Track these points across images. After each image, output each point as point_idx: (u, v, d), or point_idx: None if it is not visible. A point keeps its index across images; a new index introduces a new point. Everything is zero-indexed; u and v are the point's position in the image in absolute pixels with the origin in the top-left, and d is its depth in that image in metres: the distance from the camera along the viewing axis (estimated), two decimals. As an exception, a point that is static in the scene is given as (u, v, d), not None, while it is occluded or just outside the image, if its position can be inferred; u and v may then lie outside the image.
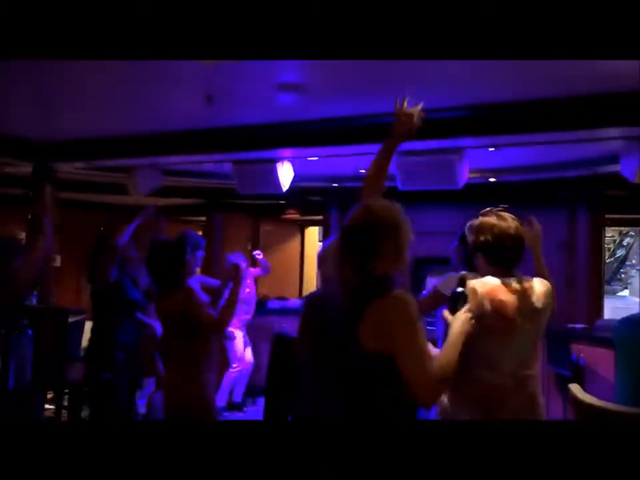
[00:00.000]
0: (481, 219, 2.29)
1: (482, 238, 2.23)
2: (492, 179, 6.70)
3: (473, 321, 2.00)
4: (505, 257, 2.22)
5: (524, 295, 2.17)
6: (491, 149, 5.00)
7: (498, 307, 2.13)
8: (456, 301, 2.08)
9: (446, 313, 2.08)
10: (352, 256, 1.90)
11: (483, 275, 2.26)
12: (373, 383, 1.81)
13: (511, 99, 3.90)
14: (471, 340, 1.98)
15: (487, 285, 2.17)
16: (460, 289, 2.10)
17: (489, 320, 2.11)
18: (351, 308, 1.86)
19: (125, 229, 3.81)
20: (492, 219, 2.25)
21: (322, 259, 2.61)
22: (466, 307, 2.03)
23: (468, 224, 2.38)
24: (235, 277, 3.15)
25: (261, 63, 3.32)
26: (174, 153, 5.44)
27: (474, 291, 2.14)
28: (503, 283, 2.18)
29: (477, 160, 5.45)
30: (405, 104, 2.29)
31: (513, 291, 2.16)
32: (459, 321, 1.98)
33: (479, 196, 6.81)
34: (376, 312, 1.81)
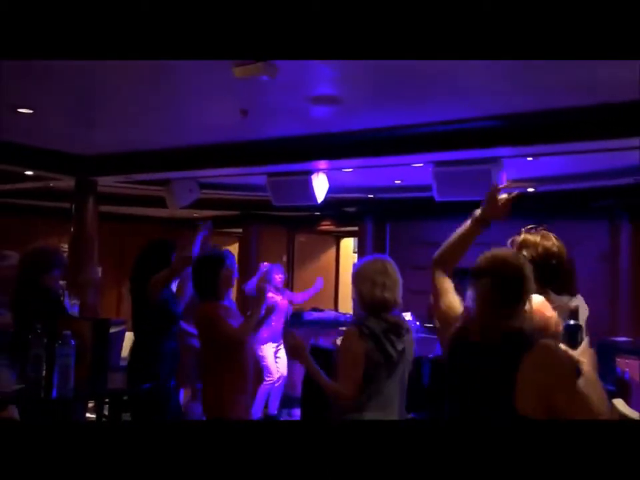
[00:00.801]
0: (525, 235, 2.28)
1: (526, 254, 2.20)
2: (531, 189, 6.59)
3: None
4: (546, 275, 2.19)
5: (564, 313, 2.16)
6: (529, 159, 4.92)
7: (544, 324, 2.09)
8: (574, 335, 1.99)
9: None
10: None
11: None
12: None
13: (549, 106, 3.85)
14: None
15: (534, 301, 2.14)
16: (573, 322, 2.03)
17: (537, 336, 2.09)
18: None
19: (193, 242, 3.81)
20: (536, 237, 2.24)
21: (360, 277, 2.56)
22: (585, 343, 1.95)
23: (510, 239, 2.35)
24: (256, 300, 3.25)
25: (294, 76, 3.36)
26: (210, 166, 5.52)
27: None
28: (546, 300, 2.16)
29: (516, 170, 5.38)
30: (500, 189, 2.23)
31: (555, 308, 2.15)
32: (588, 356, 1.89)
33: (517, 206, 6.70)
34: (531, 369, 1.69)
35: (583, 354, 1.89)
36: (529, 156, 4.78)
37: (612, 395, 3.58)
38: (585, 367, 1.83)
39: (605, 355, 4.78)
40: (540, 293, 2.15)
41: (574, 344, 1.96)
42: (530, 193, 6.72)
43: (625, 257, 6.62)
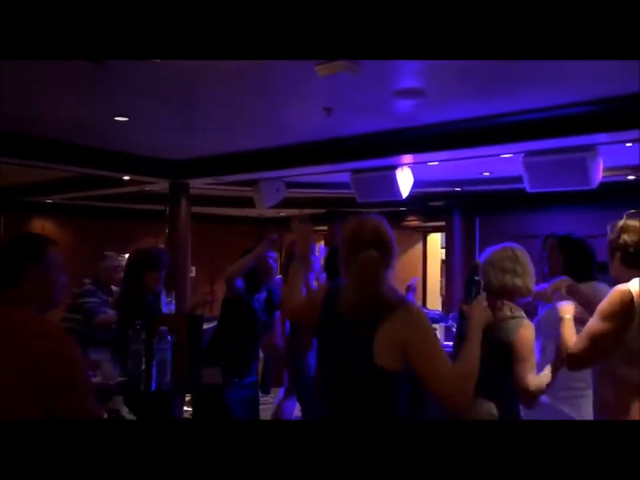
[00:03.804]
0: (626, 220, 2.21)
1: (626, 239, 2.15)
2: (631, 177, 6.20)
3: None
4: None
5: None
6: (628, 144, 4.63)
7: None
8: (469, 289, 2.12)
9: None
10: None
11: (617, 277, 2.19)
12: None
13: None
14: (618, 340, 2.00)
15: (636, 285, 2.07)
16: (477, 277, 2.14)
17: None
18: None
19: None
20: (637, 222, 2.17)
21: None
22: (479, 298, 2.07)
23: (611, 224, 2.27)
24: None
25: (377, 71, 3.34)
26: (295, 166, 5.59)
27: (623, 293, 2.05)
28: None
29: (614, 157, 5.08)
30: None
31: None
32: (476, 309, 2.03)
33: (616, 195, 6.34)
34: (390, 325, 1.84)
35: (471, 307, 2.05)
36: (628, 142, 4.49)
37: None
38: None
39: None
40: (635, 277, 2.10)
41: (467, 297, 2.12)
42: (630, 181, 6.33)
43: None
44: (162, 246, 6.14)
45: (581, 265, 2.95)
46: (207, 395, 3.54)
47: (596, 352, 2.08)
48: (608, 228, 2.27)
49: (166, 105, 4.23)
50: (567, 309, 2.29)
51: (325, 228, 9.40)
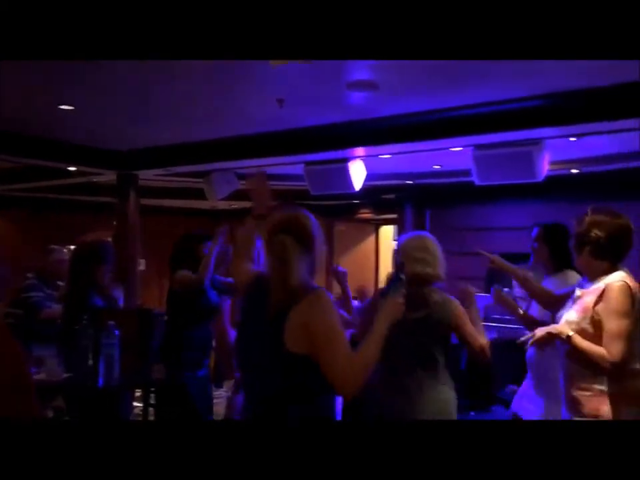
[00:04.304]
0: (594, 214, 2.30)
1: (597, 233, 2.24)
2: (574, 170, 6.41)
3: None
4: (617, 251, 2.25)
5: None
6: (572, 139, 4.77)
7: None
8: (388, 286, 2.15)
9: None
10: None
11: (584, 268, 2.32)
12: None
13: (592, 84, 3.71)
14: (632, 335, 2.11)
15: (627, 278, 2.21)
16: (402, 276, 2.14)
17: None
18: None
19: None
20: (606, 215, 2.28)
21: None
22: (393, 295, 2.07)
23: (576, 218, 2.36)
24: None
25: (330, 63, 3.33)
26: (248, 157, 5.54)
27: (628, 287, 2.17)
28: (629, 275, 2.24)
29: (559, 151, 5.23)
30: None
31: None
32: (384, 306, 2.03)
33: (561, 188, 6.54)
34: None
35: (385, 301, 2.04)
36: (572, 136, 4.63)
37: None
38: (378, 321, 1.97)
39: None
40: (615, 269, 2.24)
41: (384, 293, 2.15)
42: (574, 174, 6.54)
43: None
44: (108, 238, 5.98)
45: (566, 254, 3.01)
46: (169, 390, 3.46)
47: (628, 350, 2.12)
48: (575, 223, 2.35)
49: (112, 93, 4.11)
50: (563, 328, 2.26)
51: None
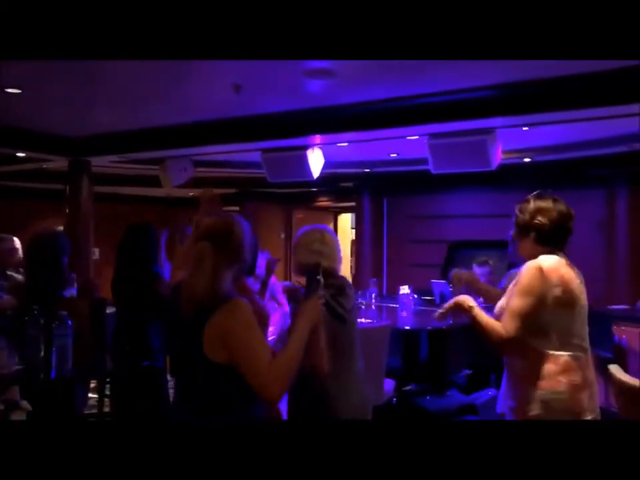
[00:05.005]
0: (538, 201, 2.32)
1: (542, 219, 2.27)
2: (527, 159, 6.57)
3: None
4: (559, 238, 2.28)
5: (577, 272, 2.27)
6: (524, 129, 4.88)
7: (565, 281, 2.19)
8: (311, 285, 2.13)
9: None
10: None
11: (528, 255, 2.30)
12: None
13: (543, 75, 3.80)
14: (548, 318, 2.12)
15: (548, 261, 2.22)
16: (319, 277, 2.12)
17: (559, 294, 2.17)
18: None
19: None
20: (549, 202, 2.30)
21: None
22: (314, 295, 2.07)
23: (519, 206, 2.38)
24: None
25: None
26: (204, 143, 5.47)
27: (539, 269, 2.17)
28: (561, 260, 2.25)
29: (512, 140, 5.34)
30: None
31: (570, 267, 2.25)
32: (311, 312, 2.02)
33: (514, 176, 6.69)
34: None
35: (305, 304, 2.06)
36: (524, 126, 4.74)
37: (609, 361, 3.61)
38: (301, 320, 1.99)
39: (602, 322, 4.81)
40: (552, 254, 2.26)
41: (307, 293, 2.17)
42: (526, 163, 6.70)
43: (622, 224, 6.63)
44: (60, 227, 5.84)
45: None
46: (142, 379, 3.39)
47: (524, 328, 2.15)
48: (516, 209, 2.37)
49: (61, 77, 3.98)
50: (466, 299, 2.32)
51: (237, 208, 9.31)
